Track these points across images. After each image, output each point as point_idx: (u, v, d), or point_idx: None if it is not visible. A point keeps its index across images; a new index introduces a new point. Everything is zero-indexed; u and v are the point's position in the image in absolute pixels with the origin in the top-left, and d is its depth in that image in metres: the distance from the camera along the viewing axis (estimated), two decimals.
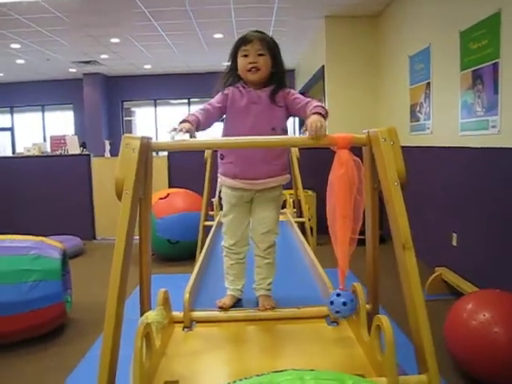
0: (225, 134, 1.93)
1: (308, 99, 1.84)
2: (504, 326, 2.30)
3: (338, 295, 1.54)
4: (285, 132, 1.94)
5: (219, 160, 2.00)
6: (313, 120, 1.56)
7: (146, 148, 1.47)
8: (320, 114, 1.62)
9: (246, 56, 1.86)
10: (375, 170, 1.47)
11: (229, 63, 1.96)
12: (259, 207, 1.98)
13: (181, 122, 1.65)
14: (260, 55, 1.85)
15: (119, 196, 1.36)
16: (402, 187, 1.35)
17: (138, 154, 1.38)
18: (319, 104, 1.73)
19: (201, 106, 1.89)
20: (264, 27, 6.97)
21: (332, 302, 1.54)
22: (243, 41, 1.88)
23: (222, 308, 1.90)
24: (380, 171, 1.41)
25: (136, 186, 1.37)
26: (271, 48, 1.89)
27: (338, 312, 1.54)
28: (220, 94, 1.94)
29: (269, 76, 1.89)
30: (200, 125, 1.74)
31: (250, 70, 1.85)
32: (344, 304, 1.54)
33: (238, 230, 1.98)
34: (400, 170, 1.36)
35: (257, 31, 1.93)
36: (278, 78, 1.90)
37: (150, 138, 1.50)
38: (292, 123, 9.49)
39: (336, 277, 1.66)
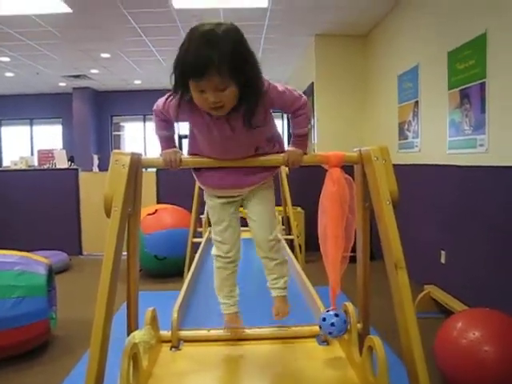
0: (193, 152, 1.65)
1: (294, 105, 1.55)
2: (494, 344, 2.30)
3: (337, 315, 1.52)
4: (272, 140, 1.65)
5: (193, 171, 1.72)
6: (290, 154, 1.60)
7: (136, 164, 1.45)
8: (299, 144, 1.61)
9: (202, 91, 1.35)
10: (367, 188, 1.47)
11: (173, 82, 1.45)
12: (251, 203, 1.72)
13: (164, 153, 1.56)
14: (222, 90, 1.34)
15: (108, 212, 1.33)
16: (393, 206, 1.35)
17: (128, 171, 1.36)
18: (301, 127, 1.59)
19: (156, 123, 1.63)
20: (254, 44, 6.99)
21: (324, 320, 1.52)
22: (193, 71, 1.32)
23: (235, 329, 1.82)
24: (372, 190, 1.40)
25: (125, 202, 1.34)
26: (236, 69, 1.33)
27: (330, 333, 1.53)
28: (171, 103, 1.50)
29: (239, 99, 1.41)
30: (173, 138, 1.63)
31: (212, 109, 1.40)
32: (333, 325, 1.53)
33: (234, 234, 1.76)
34: (392, 188, 1.36)
35: (209, 40, 1.32)
36: (251, 91, 1.40)
37: (140, 155, 1.49)
38: None
39: (326, 294, 1.64)
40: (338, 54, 6.52)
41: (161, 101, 1.57)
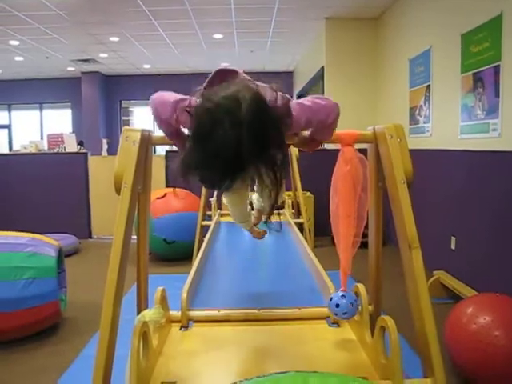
0: None
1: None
2: (504, 329, 2.29)
3: (343, 296, 1.51)
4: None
5: None
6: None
7: (147, 141, 1.44)
8: None
9: None
10: (380, 167, 1.44)
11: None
12: None
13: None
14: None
15: (118, 190, 1.32)
16: (408, 186, 1.32)
17: (138, 147, 1.35)
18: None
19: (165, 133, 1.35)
20: (264, 28, 6.94)
21: (338, 305, 1.51)
22: (209, 184, 1.19)
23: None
24: (386, 169, 1.38)
25: (135, 179, 1.33)
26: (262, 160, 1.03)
27: (345, 313, 1.51)
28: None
29: None
30: None
31: None
32: (338, 306, 1.51)
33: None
34: (407, 167, 1.33)
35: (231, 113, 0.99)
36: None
37: (151, 132, 1.47)
38: None
39: (336, 279, 1.63)
40: (349, 37, 6.43)
41: (166, 105, 1.22)
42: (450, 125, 4.10)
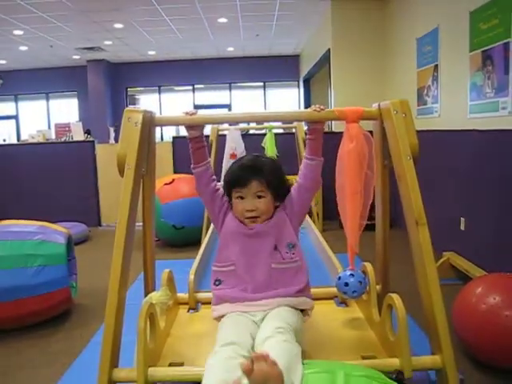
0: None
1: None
2: None
3: (352, 275, 1.50)
4: (293, 248, 1.47)
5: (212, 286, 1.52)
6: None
7: (149, 122, 1.42)
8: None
9: (241, 198, 1.48)
10: (386, 145, 1.42)
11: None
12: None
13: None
14: (259, 197, 1.47)
15: (121, 171, 1.32)
16: (414, 161, 1.30)
17: (141, 128, 1.33)
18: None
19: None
20: (269, 10, 6.87)
21: (347, 284, 1.50)
22: (237, 181, 1.49)
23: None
24: (391, 145, 1.36)
25: (138, 160, 1.32)
26: (272, 183, 1.49)
27: (354, 292, 1.50)
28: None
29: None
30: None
31: (248, 218, 1.48)
32: (346, 285, 1.51)
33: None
34: (412, 143, 1.31)
35: (253, 160, 1.53)
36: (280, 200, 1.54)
37: (153, 113, 1.46)
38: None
39: (344, 261, 1.62)
40: (355, 18, 6.34)
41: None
42: (459, 104, 4.04)
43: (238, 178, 1.48)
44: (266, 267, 1.43)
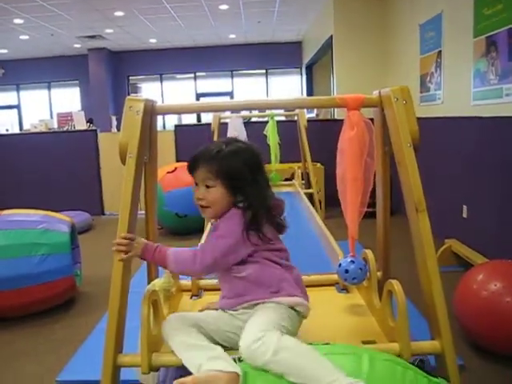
0: None
1: None
2: None
3: (352, 262, 1.52)
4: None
5: None
6: None
7: (151, 111, 1.43)
8: None
9: (196, 184, 1.34)
10: (387, 132, 1.42)
11: None
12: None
13: None
14: (207, 186, 1.29)
15: (123, 160, 1.33)
16: (414, 149, 1.31)
17: (142, 117, 1.34)
18: None
19: None
20: None
21: (347, 270, 1.52)
22: (189, 164, 1.34)
23: None
24: (392, 132, 1.36)
25: (140, 149, 1.33)
26: (223, 172, 1.27)
27: (354, 279, 1.52)
28: None
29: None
30: None
31: (199, 207, 1.34)
32: (347, 271, 1.52)
33: None
34: (413, 130, 1.31)
35: (214, 144, 1.35)
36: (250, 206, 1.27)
37: (155, 101, 1.47)
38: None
39: (346, 248, 1.63)
40: (358, 4, 6.30)
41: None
42: (462, 91, 4.02)
43: (189, 162, 1.33)
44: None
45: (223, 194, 1.28)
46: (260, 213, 1.26)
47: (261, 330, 1.08)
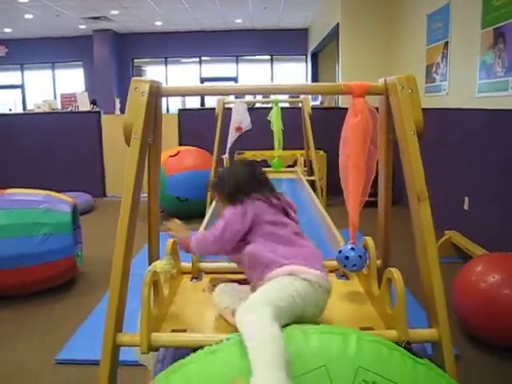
0: None
1: None
2: None
3: (352, 249, 1.52)
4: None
5: None
6: None
7: (156, 92, 1.43)
8: None
9: None
10: (391, 120, 1.42)
11: None
12: None
13: None
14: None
15: (127, 140, 1.33)
16: (418, 137, 1.31)
17: (148, 98, 1.34)
18: None
19: None
20: None
21: (347, 257, 1.52)
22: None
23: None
24: (396, 120, 1.36)
25: (145, 130, 1.33)
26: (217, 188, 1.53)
27: (354, 266, 1.53)
28: None
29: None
30: None
31: None
32: (347, 258, 1.53)
33: None
34: (417, 118, 1.31)
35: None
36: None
37: (160, 83, 1.46)
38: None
39: (347, 236, 1.63)
40: None
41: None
42: (468, 83, 4.00)
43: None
44: None
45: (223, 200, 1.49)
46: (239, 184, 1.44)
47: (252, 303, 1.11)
